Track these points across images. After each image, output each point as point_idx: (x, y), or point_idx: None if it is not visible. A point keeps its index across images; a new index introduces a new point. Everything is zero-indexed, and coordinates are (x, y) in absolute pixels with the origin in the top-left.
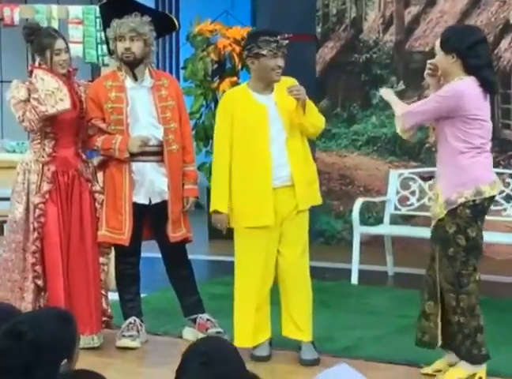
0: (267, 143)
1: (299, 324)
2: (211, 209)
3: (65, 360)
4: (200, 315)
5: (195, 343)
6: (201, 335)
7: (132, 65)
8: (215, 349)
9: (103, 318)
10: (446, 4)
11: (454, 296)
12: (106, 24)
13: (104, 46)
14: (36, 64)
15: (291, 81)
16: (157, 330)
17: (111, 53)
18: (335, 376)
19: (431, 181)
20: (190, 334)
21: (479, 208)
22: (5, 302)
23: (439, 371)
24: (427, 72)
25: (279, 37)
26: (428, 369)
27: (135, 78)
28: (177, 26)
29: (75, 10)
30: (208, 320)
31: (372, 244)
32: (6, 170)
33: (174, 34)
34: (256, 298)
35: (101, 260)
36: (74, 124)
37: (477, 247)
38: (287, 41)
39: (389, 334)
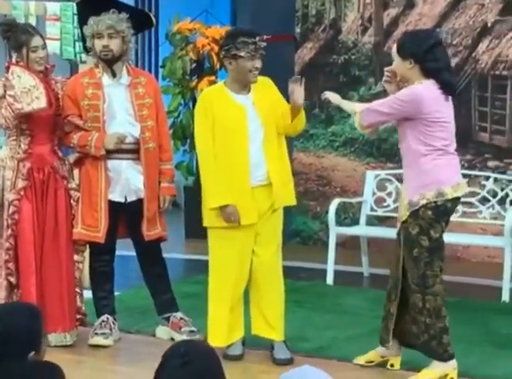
0: (245, 142)
1: (272, 323)
2: (215, 205)
3: (33, 352)
4: (173, 313)
5: (175, 345)
6: (174, 334)
7: (110, 62)
8: (195, 351)
9: (78, 316)
10: (425, 7)
11: (421, 297)
12: (83, 22)
13: (82, 44)
14: (13, 61)
15: (267, 81)
16: (130, 328)
17: (87, 50)
18: (301, 375)
19: None
20: (164, 333)
21: (441, 210)
22: None
23: (371, 362)
24: (384, 79)
25: (257, 38)
26: (361, 360)
27: (113, 75)
28: (154, 22)
29: (53, 7)
30: (181, 318)
31: (348, 245)
32: None
33: (153, 32)
34: (230, 298)
35: (76, 257)
36: (50, 121)
37: (440, 248)
38: (265, 43)
39: (363, 334)
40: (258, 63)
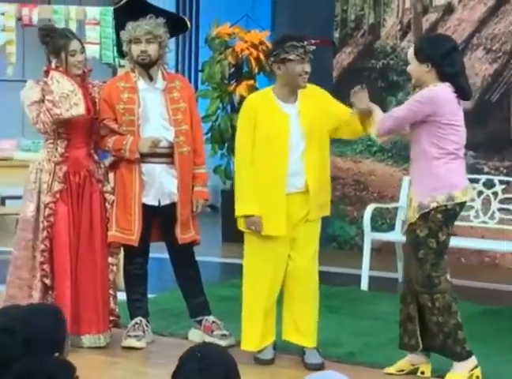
0: (285, 151)
1: (303, 330)
2: (240, 213)
3: (57, 354)
4: (206, 317)
5: (192, 349)
6: (206, 337)
7: (147, 66)
8: (212, 356)
9: (111, 318)
10: (464, 12)
11: (429, 297)
12: (119, 27)
13: None
14: (53, 66)
15: (316, 89)
16: (163, 331)
17: (122, 55)
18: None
19: None
20: (196, 336)
21: (450, 213)
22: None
23: (402, 371)
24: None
25: (305, 42)
26: (391, 370)
27: (150, 79)
28: (188, 26)
29: (93, 11)
30: (213, 322)
31: (384, 250)
32: (22, 169)
33: (193, 36)
34: (264, 303)
35: (110, 260)
36: (87, 125)
37: (445, 250)
38: (313, 47)
39: (395, 340)
40: (308, 67)
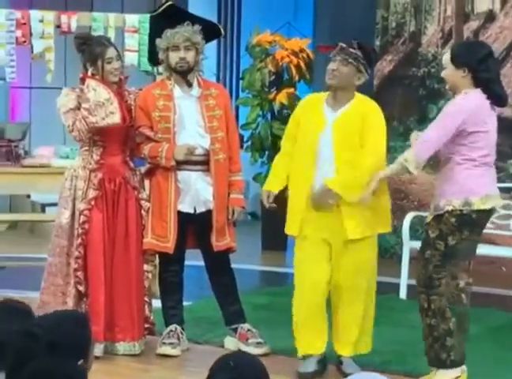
0: (313, 156)
1: (341, 339)
2: (263, 187)
3: (82, 360)
4: (241, 325)
5: (224, 358)
6: (241, 345)
7: (185, 74)
8: (243, 364)
9: (146, 325)
10: (506, 20)
11: (426, 297)
12: (156, 34)
13: None
14: (89, 73)
15: (371, 105)
16: (199, 338)
17: (153, 62)
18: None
19: None
20: (231, 343)
21: (465, 219)
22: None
23: None
24: None
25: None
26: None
27: (189, 85)
28: (222, 33)
29: (131, 19)
30: (249, 330)
31: None
32: (60, 177)
33: (235, 44)
34: (305, 306)
35: (145, 267)
36: (123, 133)
37: (454, 255)
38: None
39: None
40: (334, 65)
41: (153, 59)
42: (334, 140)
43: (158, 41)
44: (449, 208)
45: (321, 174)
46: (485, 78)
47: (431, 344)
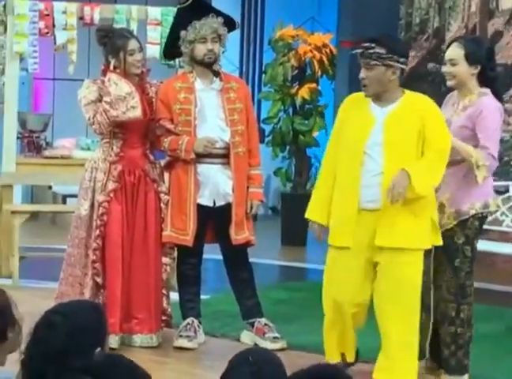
0: (359, 158)
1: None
2: (306, 215)
3: (99, 349)
4: (258, 319)
5: (243, 353)
6: (258, 340)
7: (211, 66)
8: (263, 359)
9: (163, 317)
10: None
11: (455, 306)
12: (181, 27)
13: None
14: (111, 67)
15: (426, 102)
16: (216, 332)
17: (169, 56)
18: None
19: (505, 196)
20: (248, 337)
21: (484, 221)
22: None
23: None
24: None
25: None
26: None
27: (216, 75)
28: (237, 27)
29: (154, 11)
30: (266, 324)
31: None
32: (81, 168)
33: (258, 38)
34: (331, 314)
35: (164, 260)
36: (143, 125)
37: (476, 259)
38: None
39: None
40: (362, 73)
41: (168, 53)
42: (385, 137)
43: (183, 33)
44: (473, 211)
45: (365, 179)
46: (492, 77)
47: (454, 352)
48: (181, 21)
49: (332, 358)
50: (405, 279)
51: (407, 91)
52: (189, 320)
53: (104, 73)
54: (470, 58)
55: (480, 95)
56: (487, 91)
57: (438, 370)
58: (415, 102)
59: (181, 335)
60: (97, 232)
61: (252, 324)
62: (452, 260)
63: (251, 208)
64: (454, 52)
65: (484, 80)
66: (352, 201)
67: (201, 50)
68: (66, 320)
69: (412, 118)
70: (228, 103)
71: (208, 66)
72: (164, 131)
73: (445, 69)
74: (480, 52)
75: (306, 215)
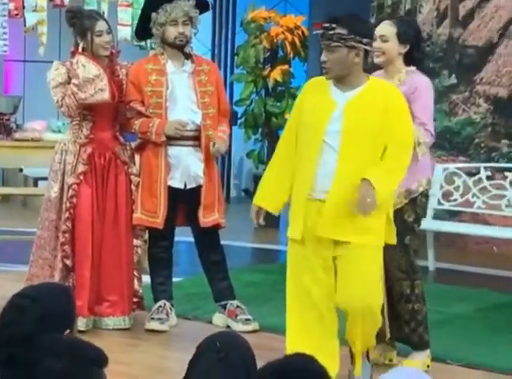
0: (318, 144)
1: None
2: (254, 201)
3: (68, 331)
4: (230, 301)
5: (211, 338)
6: (230, 322)
7: (182, 48)
8: (231, 344)
9: (135, 299)
10: None
11: (409, 283)
12: (152, 9)
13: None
14: (80, 49)
15: (393, 91)
16: (188, 314)
17: (142, 37)
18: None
19: (476, 177)
20: (220, 320)
21: (428, 198)
22: None
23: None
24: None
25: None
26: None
27: (186, 57)
28: (210, 8)
29: None
30: (237, 306)
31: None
32: (52, 151)
33: (230, 20)
34: (299, 314)
35: (135, 242)
36: (112, 108)
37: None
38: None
39: None
40: (323, 56)
41: (141, 33)
42: (344, 125)
43: (154, 15)
44: (421, 189)
45: (324, 168)
46: (418, 58)
47: (415, 328)
48: (152, 3)
49: None
50: (366, 274)
51: (371, 77)
52: (161, 302)
53: (73, 54)
54: (401, 37)
55: (409, 74)
56: (414, 69)
57: (391, 352)
58: (379, 89)
59: (153, 318)
60: (67, 214)
61: (224, 307)
62: (402, 239)
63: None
64: (386, 29)
65: (410, 60)
66: (303, 191)
67: (172, 32)
68: (35, 303)
69: (375, 106)
70: (200, 86)
71: (180, 49)
72: (135, 113)
73: (375, 44)
74: (411, 32)
75: (254, 201)
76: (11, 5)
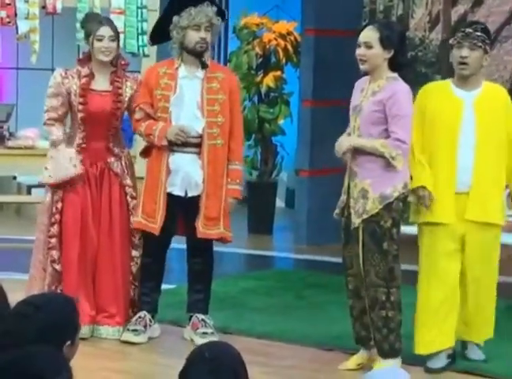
0: (455, 140)
1: (471, 325)
2: (416, 184)
3: (69, 342)
4: (196, 314)
5: (199, 349)
6: (192, 335)
7: (201, 54)
8: (220, 355)
9: (134, 309)
10: (494, 3)
11: (385, 290)
12: (175, 12)
13: (145, 37)
14: (81, 55)
15: (502, 92)
16: (182, 322)
17: (156, 41)
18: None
19: None
20: (186, 333)
21: (405, 202)
22: None
23: (360, 364)
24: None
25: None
26: (349, 365)
27: (203, 66)
28: (226, 17)
29: (117, 0)
30: (202, 320)
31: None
32: (46, 158)
33: (223, 26)
34: (438, 302)
35: (134, 252)
36: (107, 119)
37: (399, 241)
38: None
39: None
40: (465, 52)
41: (157, 36)
42: (478, 118)
43: (176, 19)
44: (396, 193)
45: (462, 160)
46: (402, 62)
47: (386, 336)
48: (175, 5)
49: (436, 350)
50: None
51: (485, 81)
52: (141, 313)
53: (79, 61)
54: (385, 43)
55: (389, 80)
56: (396, 75)
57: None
58: (496, 91)
59: (128, 329)
60: (52, 219)
61: (190, 318)
62: (380, 245)
63: (227, 205)
64: (369, 35)
65: (394, 65)
66: (450, 185)
67: (193, 37)
68: (39, 311)
69: (497, 105)
70: (209, 93)
71: (198, 55)
72: (144, 115)
73: (359, 51)
74: (394, 37)
75: (423, 183)
76: (3, 13)
